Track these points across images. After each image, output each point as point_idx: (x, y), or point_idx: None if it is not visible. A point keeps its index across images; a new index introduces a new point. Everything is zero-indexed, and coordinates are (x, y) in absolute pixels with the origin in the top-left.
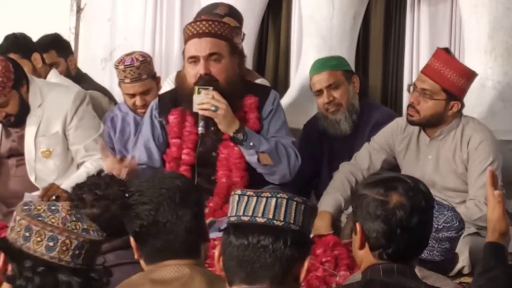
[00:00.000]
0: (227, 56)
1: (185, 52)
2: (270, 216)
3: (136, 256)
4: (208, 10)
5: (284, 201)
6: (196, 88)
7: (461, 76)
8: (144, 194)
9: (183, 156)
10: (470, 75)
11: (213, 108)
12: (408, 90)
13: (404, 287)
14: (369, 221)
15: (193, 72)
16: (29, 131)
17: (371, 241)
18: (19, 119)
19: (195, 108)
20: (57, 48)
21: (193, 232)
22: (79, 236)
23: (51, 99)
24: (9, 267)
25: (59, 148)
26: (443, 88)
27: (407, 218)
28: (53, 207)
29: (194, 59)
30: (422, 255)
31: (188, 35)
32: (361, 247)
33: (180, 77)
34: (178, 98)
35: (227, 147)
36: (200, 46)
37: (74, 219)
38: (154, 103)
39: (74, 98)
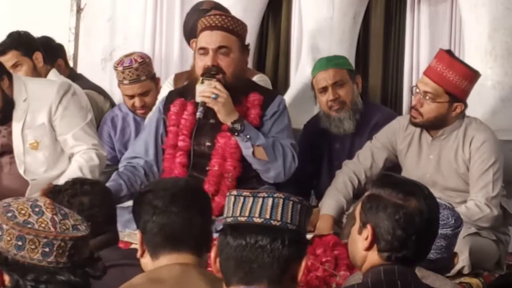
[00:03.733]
0: (236, 51)
1: (197, 44)
2: (267, 216)
3: (139, 253)
4: (195, 8)
5: (281, 201)
6: (200, 78)
7: (464, 78)
8: (157, 193)
9: (179, 143)
10: (473, 77)
11: (213, 96)
12: (411, 92)
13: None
14: (385, 224)
15: (202, 64)
16: (16, 125)
17: (382, 243)
18: (4, 115)
19: (197, 97)
20: (43, 54)
21: (199, 235)
22: (72, 236)
23: (35, 92)
24: (7, 278)
25: (47, 139)
26: (446, 90)
27: (423, 225)
28: (36, 208)
29: (204, 51)
30: None
31: (201, 27)
32: (369, 248)
33: (179, 78)
34: (185, 91)
35: (224, 137)
36: (211, 39)
37: (61, 217)
38: (163, 97)
39: (57, 89)
